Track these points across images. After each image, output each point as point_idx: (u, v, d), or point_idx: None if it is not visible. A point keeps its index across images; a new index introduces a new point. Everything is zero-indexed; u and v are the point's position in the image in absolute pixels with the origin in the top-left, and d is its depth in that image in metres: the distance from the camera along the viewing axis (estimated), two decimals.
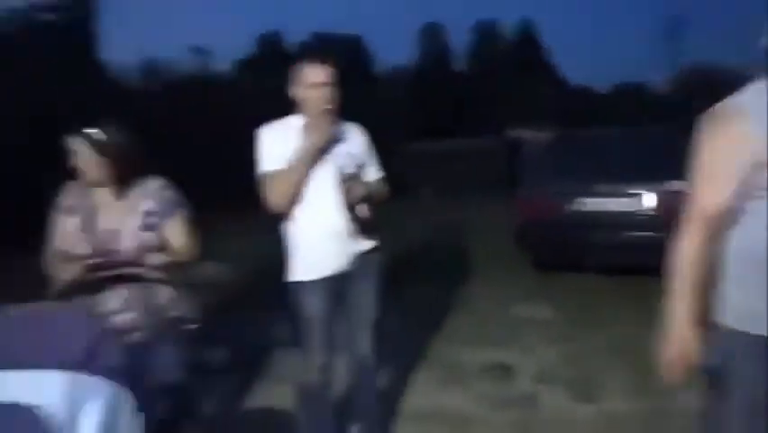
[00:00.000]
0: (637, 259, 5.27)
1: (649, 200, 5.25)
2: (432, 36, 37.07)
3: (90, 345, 1.38)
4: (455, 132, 21.47)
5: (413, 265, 6.32)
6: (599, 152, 5.71)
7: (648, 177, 5.30)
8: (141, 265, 2.12)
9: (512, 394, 3.31)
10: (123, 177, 2.16)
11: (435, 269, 6.34)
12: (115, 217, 2.16)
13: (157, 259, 2.14)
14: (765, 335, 1.46)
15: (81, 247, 2.13)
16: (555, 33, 70.38)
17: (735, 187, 1.46)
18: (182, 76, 15.61)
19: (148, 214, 2.18)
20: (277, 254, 2.54)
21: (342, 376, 2.67)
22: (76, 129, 2.10)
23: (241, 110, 10.67)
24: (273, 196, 2.33)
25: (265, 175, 2.34)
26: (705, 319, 1.58)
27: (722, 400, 1.54)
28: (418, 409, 3.15)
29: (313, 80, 2.32)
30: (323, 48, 25.47)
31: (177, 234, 2.21)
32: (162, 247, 2.18)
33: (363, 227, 2.43)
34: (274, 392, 3.26)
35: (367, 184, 2.46)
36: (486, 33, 37.46)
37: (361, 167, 2.48)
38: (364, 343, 2.55)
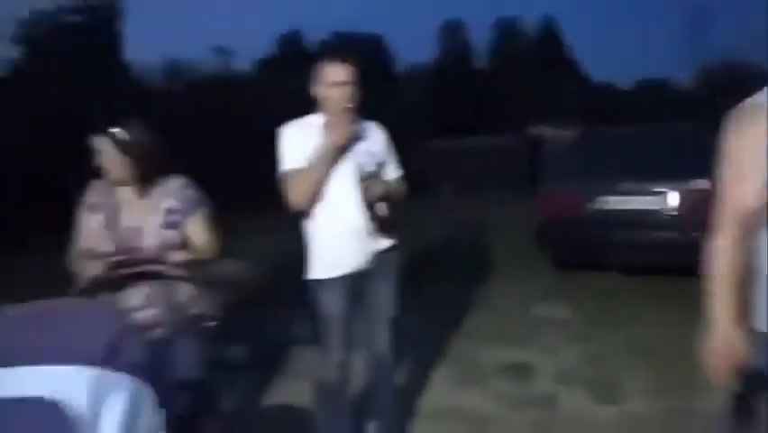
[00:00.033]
0: (659, 259, 5.21)
1: (672, 199, 5.17)
2: (452, 34, 36.93)
3: (113, 341, 1.40)
4: (476, 129, 21.38)
5: (432, 263, 6.31)
6: (622, 149, 5.65)
7: (671, 175, 5.22)
8: (163, 263, 2.15)
9: (531, 394, 3.30)
10: (146, 176, 2.20)
11: (455, 267, 6.33)
12: (138, 215, 2.20)
13: (178, 256, 2.17)
14: None
15: (104, 245, 2.17)
16: (577, 30, 69.75)
17: (764, 184, 1.43)
18: (204, 76, 15.78)
19: (170, 212, 2.21)
20: (297, 252, 2.56)
21: (360, 374, 2.68)
22: (101, 129, 2.14)
23: (262, 109, 10.75)
24: (294, 194, 2.35)
25: (286, 173, 2.36)
26: (745, 318, 1.55)
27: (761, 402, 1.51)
28: (436, 408, 3.16)
29: (333, 79, 2.33)
30: (343, 47, 25.51)
31: (198, 231, 2.24)
32: (184, 245, 2.22)
33: (382, 226, 2.44)
34: (293, 389, 3.29)
35: (386, 183, 2.47)
36: (507, 30, 37.20)
37: (380, 165, 2.49)
38: (382, 340, 2.56)
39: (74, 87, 9.91)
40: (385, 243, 2.49)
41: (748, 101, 1.50)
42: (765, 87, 1.49)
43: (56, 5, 21.93)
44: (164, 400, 1.45)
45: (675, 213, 5.15)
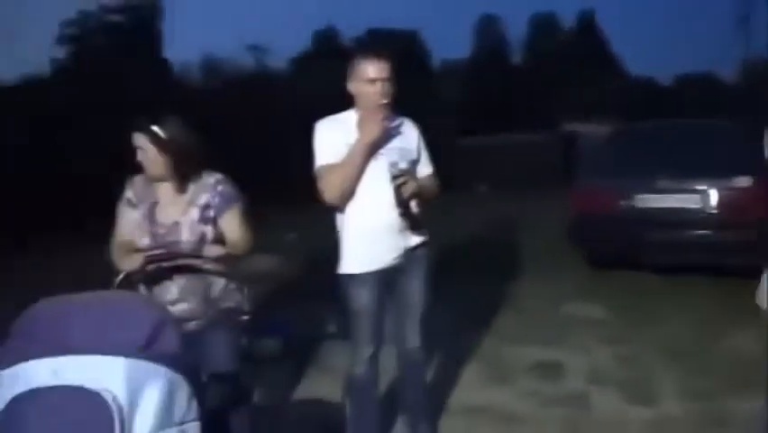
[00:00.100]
0: (696, 258, 5.10)
1: (711, 197, 5.05)
2: (488, 29, 36.51)
3: (151, 333, 1.44)
4: (511, 126, 21.12)
5: (464, 260, 6.30)
6: (659, 145, 5.53)
7: (711, 172, 5.10)
8: (199, 257, 2.21)
9: (561, 393, 3.27)
10: (184, 172, 2.26)
11: (487, 264, 6.30)
12: (176, 211, 2.26)
13: (214, 251, 2.23)
14: None
15: (143, 239, 2.24)
16: (616, 24, 68.09)
17: None
18: (241, 73, 15.97)
19: (206, 207, 2.27)
20: (330, 247, 2.60)
21: (391, 369, 2.71)
22: (141, 126, 2.21)
23: (297, 105, 10.86)
24: (328, 189, 2.37)
25: (321, 169, 2.39)
26: None
27: None
28: (466, 405, 3.16)
29: (368, 75, 2.35)
30: (378, 43, 25.50)
31: (233, 227, 2.29)
32: (219, 239, 2.27)
33: (414, 222, 2.45)
34: (323, 383, 3.33)
35: (419, 179, 2.48)
36: (544, 25, 36.61)
37: (413, 162, 2.50)
38: (413, 337, 2.57)
39: (116, 85, 10.17)
40: (416, 239, 2.50)
41: None
42: None
43: (98, 5, 22.47)
44: (198, 392, 1.48)
45: (715, 211, 5.03)
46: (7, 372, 1.34)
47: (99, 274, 2.14)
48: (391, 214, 2.39)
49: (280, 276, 5.60)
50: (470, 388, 3.37)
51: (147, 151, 2.21)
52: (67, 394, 1.30)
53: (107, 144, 6.69)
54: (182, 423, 1.40)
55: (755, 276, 2.73)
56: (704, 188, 5.07)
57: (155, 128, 2.19)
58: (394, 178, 2.35)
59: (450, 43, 51.84)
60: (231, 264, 2.28)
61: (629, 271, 5.50)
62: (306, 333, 4.17)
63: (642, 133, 6.21)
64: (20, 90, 11.40)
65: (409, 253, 2.48)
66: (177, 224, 2.24)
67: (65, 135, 9.57)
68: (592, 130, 14.69)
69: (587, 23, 36.91)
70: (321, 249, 3.42)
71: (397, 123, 2.48)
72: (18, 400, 1.30)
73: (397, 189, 2.35)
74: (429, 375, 3.08)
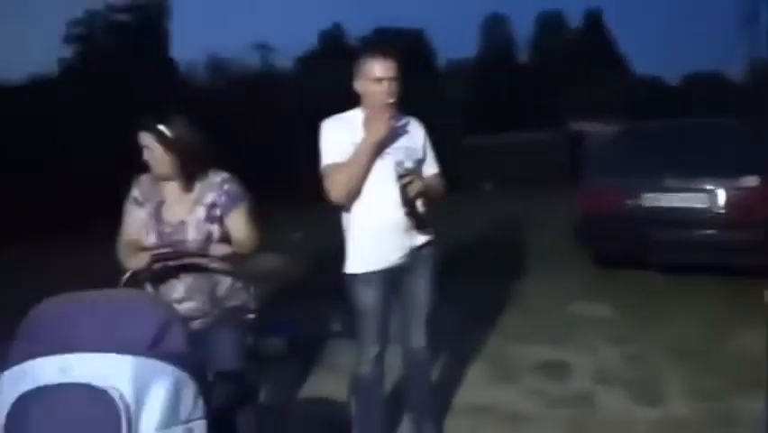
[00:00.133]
0: (703, 258, 5.08)
1: (718, 197, 5.02)
2: (495, 28, 36.46)
3: (158, 331, 1.45)
4: (518, 125, 21.08)
5: (470, 259, 6.29)
6: (666, 145, 5.51)
7: (719, 172, 5.07)
8: (206, 256, 2.22)
9: (567, 393, 3.27)
10: (190, 171, 2.26)
11: (493, 263, 6.30)
12: (182, 209, 2.27)
13: (220, 250, 2.23)
14: None
15: (149, 237, 2.25)
16: (623, 23, 67.74)
17: None
18: (247, 72, 15.98)
19: (212, 206, 2.27)
20: (335, 246, 2.60)
21: (397, 368, 2.71)
22: (147, 125, 2.22)
23: (303, 104, 10.87)
24: (334, 188, 2.38)
25: (327, 168, 2.40)
26: None
27: None
28: (471, 404, 3.16)
29: (375, 74, 2.35)
30: (385, 42, 25.49)
31: (239, 225, 2.30)
32: (225, 238, 2.28)
33: (420, 222, 2.45)
34: (328, 382, 3.34)
35: (424, 179, 2.48)
36: (550, 24, 36.52)
37: (419, 162, 2.50)
38: (418, 336, 2.57)
39: (122, 85, 10.21)
40: (422, 238, 2.50)
41: None
42: None
43: (105, 4, 22.57)
44: (204, 391, 1.49)
45: (722, 211, 5.01)
46: (15, 369, 1.35)
47: (101, 273, 2.15)
48: (397, 213, 2.39)
49: (286, 275, 5.60)
50: (476, 387, 3.37)
51: (153, 150, 2.22)
52: (74, 392, 1.31)
53: (114, 144, 6.72)
54: (188, 421, 1.41)
55: (763, 276, 2.72)
56: (711, 187, 5.05)
57: (161, 127, 2.20)
58: (400, 177, 2.35)
59: (456, 43, 51.68)
60: (237, 263, 2.29)
61: (636, 270, 5.48)
62: (312, 332, 4.17)
63: (649, 132, 6.19)
64: (27, 90, 11.46)
65: (415, 252, 2.48)
66: (183, 223, 2.25)
67: (71, 134, 9.61)
68: (599, 129, 14.64)
69: (594, 22, 36.80)
70: (327, 248, 3.42)
71: (403, 122, 2.48)
72: (25, 398, 1.31)
73: (403, 189, 2.35)
74: (435, 374, 3.08)
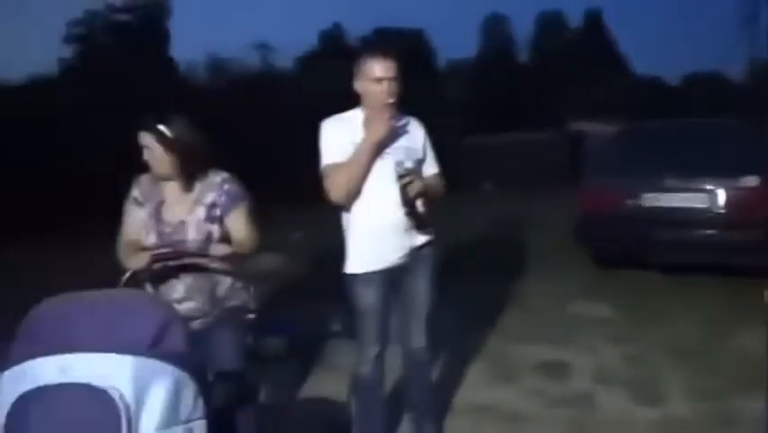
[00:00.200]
0: (703, 258, 5.08)
1: (718, 197, 5.02)
2: (495, 28, 36.46)
3: (158, 331, 1.45)
4: (518, 125, 21.08)
5: (470, 260, 6.29)
6: (666, 145, 5.51)
7: (719, 172, 5.07)
8: (206, 256, 2.22)
9: (567, 393, 3.27)
10: (190, 171, 2.26)
11: (493, 263, 6.30)
12: (182, 209, 2.27)
13: (220, 250, 2.23)
14: None
15: (149, 237, 2.25)
16: (623, 23, 67.70)
17: None
18: (247, 72, 15.98)
19: (212, 206, 2.28)
20: (335, 246, 2.60)
21: (397, 368, 2.71)
22: (147, 125, 2.22)
23: (303, 104, 10.87)
24: (334, 188, 2.38)
25: (327, 168, 2.40)
26: None
27: None
28: (471, 404, 3.16)
29: (375, 74, 2.35)
30: (385, 42, 25.50)
31: (239, 225, 2.30)
32: (225, 238, 2.28)
33: (419, 222, 2.45)
34: (328, 382, 3.34)
35: (424, 179, 2.48)
36: (550, 24, 36.53)
37: (419, 162, 2.50)
38: (418, 336, 2.57)
39: (122, 84, 10.22)
40: (422, 238, 2.50)
41: None
42: None
43: (105, 5, 22.58)
44: (204, 391, 1.49)
45: (722, 211, 5.01)
46: (15, 369, 1.35)
47: (100, 273, 2.15)
48: (397, 213, 2.39)
49: (286, 275, 5.60)
50: (476, 387, 3.37)
51: (153, 150, 2.22)
52: (74, 392, 1.31)
53: (113, 143, 6.72)
54: (188, 421, 1.41)
55: (763, 276, 2.72)
56: (711, 187, 5.05)
57: (161, 127, 2.20)
58: (400, 177, 2.35)
59: (456, 43, 51.68)
60: (237, 263, 2.29)
61: (636, 270, 5.48)
62: (312, 332, 4.17)
63: (649, 132, 6.19)
64: (27, 90, 11.47)
65: (415, 252, 2.48)
66: (183, 222, 2.25)
67: (71, 134, 9.61)
68: (599, 129, 14.65)
69: (594, 22, 36.80)
70: (326, 248, 3.42)
71: (403, 122, 2.48)
72: (26, 398, 1.31)
73: (403, 189, 2.35)
74: (435, 374, 3.08)
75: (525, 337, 4.08)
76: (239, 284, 2.34)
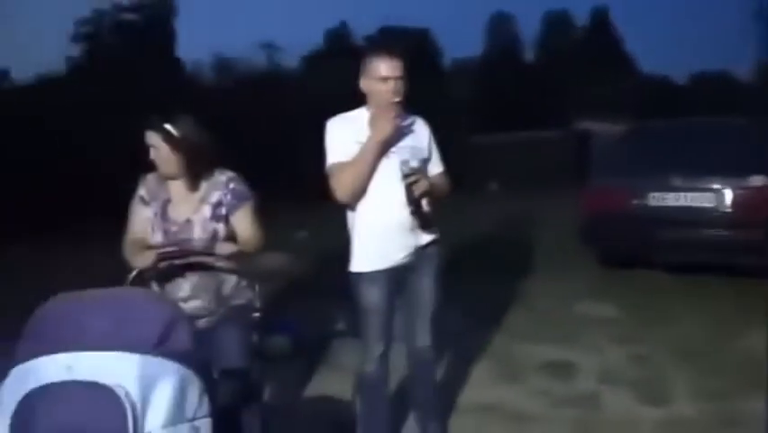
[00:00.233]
0: (710, 258, 5.06)
1: (726, 196, 5.00)
2: (501, 27, 36.37)
3: (164, 329, 1.45)
4: (523, 124, 21.03)
5: (476, 259, 6.29)
6: (673, 144, 5.49)
7: (726, 171, 5.05)
8: (211, 254, 2.22)
9: (572, 393, 3.26)
10: (196, 170, 2.27)
11: (498, 263, 6.29)
12: (188, 208, 2.28)
13: (226, 249, 2.24)
14: None
15: (155, 236, 2.26)
16: (630, 21, 67.36)
17: None
18: (253, 72, 16.01)
19: (218, 205, 2.28)
20: (340, 246, 2.60)
21: (402, 367, 2.71)
22: (154, 125, 2.22)
23: (309, 103, 10.88)
24: (339, 188, 2.38)
25: (332, 167, 2.40)
26: None
27: None
28: (476, 403, 3.15)
29: (381, 73, 2.35)
30: (391, 41, 25.49)
31: (244, 224, 2.30)
32: (231, 237, 2.29)
33: (425, 221, 2.45)
34: (333, 381, 3.34)
35: (430, 178, 2.48)
36: (556, 23, 36.42)
37: (424, 161, 2.50)
38: (423, 335, 2.57)
39: (129, 84, 10.25)
40: (427, 237, 2.50)
41: None
42: None
43: (112, 4, 22.67)
44: (209, 389, 1.49)
45: (729, 211, 4.99)
46: (22, 367, 1.35)
47: (102, 273, 2.15)
48: (402, 212, 2.39)
49: (291, 274, 5.62)
50: (481, 386, 3.37)
51: (160, 149, 2.22)
52: (80, 390, 1.32)
53: (120, 143, 6.75)
54: (194, 419, 1.41)
55: None
56: (718, 187, 5.03)
57: (168, 126, 2.21)
58: (405, 176, 2.35)
59: (462, 42, 51.63)
60: (242, 262, 2.29)
61: (642, 270, 5.47)
62: (317, 331, 4.17)
63: (656, 131, 6.17)
64: (34, 89, 11.52)
65: (420, 251, 2.48)
66: (189, 221, 2.26)
67: (77, 133, 9.65)
68: (605, 128, 14.61)
69: (600, 21, 36.67)
70: (331, 247, 3.43)
71: (408, 121, 2.49)
72: (32, 396, 1.31)
73: (409, 188, 2.35)
74: (440, 373, 3.08)
75: (531, 337, 4.08)
76: (244, 283, 2.35)
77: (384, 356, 2.49)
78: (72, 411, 1.31)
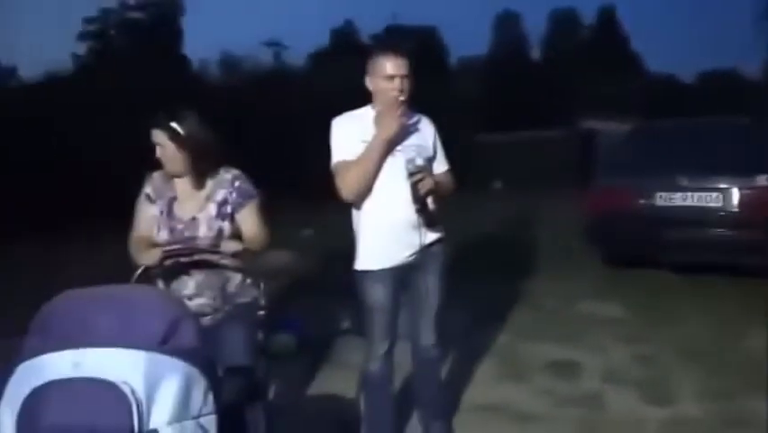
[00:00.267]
0: (716, 258, 5.04)
1: (733, 196, 4.98)
2: (507, 26, 36.27)
3: (170, 327, 1.46)
4: (530, 123, 20.97)
5: (481, 258, 6.28)
6: (679, 143, 5.47)
7: (733, 171, 5.03)
8: (217, 252, 2.23)
9: (577, 392, 3.25)
10: (202, 168, 2.28)
11: (502, 262, 6.28)
12: (194, 206, 2.29)
13: (231, 246, 2.25)
14: None
15: (161, 234, 2.27)
16: (637, 20, 67.00)
17: None
18: (258, 70, 16.02)
19: (223, 203, 2.29)
20: (345, 244, 2.61)
21: (407, 365, 2.71)
22: (159, 123, 2.23)
23: (315, 102, 10.88)
24: (345, 186, 2.38)
25: (338, 165, 2.40)
26: None
27: None
28: (480, 402, 3.15)
29: (386, 72, 2.35)
30: (397, 39, 25.48)
31: (250, 222, 2.31)
32: (236, 235, 2.29)
33: (430, 219, 2.45)
34: (338, 379, 3.34)
35: (435, 176, 2.48)
36: (563, 21, 36.30)
37: (429, 159, 2.50)
38: (428, 333, 2.58)
39: (136, 82, 10.27)
40: (432, 236, 2.50)
41: None
42: None
43: (119, 2, 22.75)
44: (214, 386, 1.50)
45: (736, 210, 4.96)
46: (28, 363, 1.36)
47: (105, 272, 2.16)
48: (408, 210, 2.40)
49: (296, 272, 5.63)
50: (485, 385, 3.37)
51: (166, 147, 2.23)
52: (86, 386, 1.32)
53: (125, 141, 6.77)
54: (199, 416, 1.42)
55: None
56: (725, 186, 5.01)
57: (174, 125, 2.21)
58: (411, 174, 2.35)
59: (468, 40, 51.42)
60: (248, 260, 2.30)
61: (647, 269, 5.45)
62: (322, 329, 4.18)
63: (662, 130, 6.15)
64: (42, 87, 11.56)
65: (425, 249, 2.48)
66: (194, 219, 2.27)
67: (83, 132, 9.68)
68: (611, 127, 14.56)
69: (607, 19, 36.52)
70: (337, 246, 3.43)
71: (414, 119, 2.49)
72: (38, 392, 1.32)
73: (414, 186, 2.36)
74: (444, 372, 3.08)
75: (535, 336, 4.07)
76: (249, 281, 2.35)
77: (388, 354, 2.49)
78: (78, 408, 1.31)
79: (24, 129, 9.26)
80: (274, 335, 3.65)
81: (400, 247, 2.43)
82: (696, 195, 5.14)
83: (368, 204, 2.42)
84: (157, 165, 2.31)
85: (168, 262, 2.21)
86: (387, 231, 2.42)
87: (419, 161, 2.38)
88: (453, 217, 2.93)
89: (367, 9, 44.69)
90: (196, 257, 2.24)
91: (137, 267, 2.18)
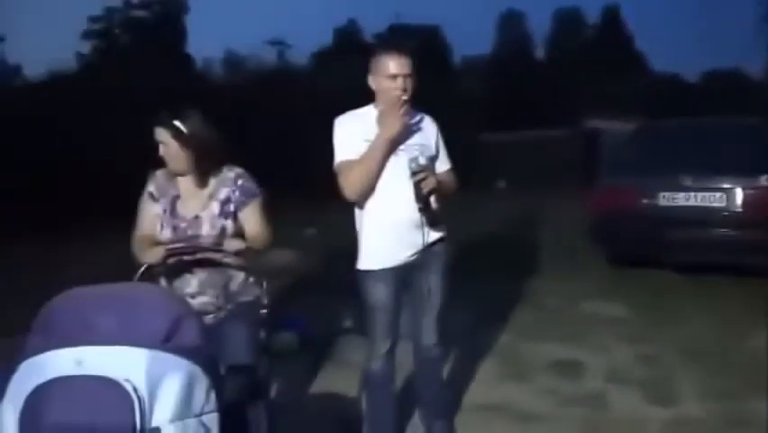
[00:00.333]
0: (720, 258, 5.03)
1: (736, 196, 4.96)
2: (511, 25, 36.24)
3: (171, 325, 1.46)
4: (533, 122, 20.93)
5: (483, 258, 6.27)
6: (683, 143, 5.46)
7: (737, 171, 5.02)
8: (220, 251, 2.24)
9: (580, 392, 3.25)
10: (205, 167, 2.28)
11: (506, 261, 6.27)
12: (197, 205, 2.29)
13: (234, 245, 2.25)
14: None
15: (164, 232, 2.28)
16: (641, 17, 66.81)
17: None
18: (262, 69, 16.04)
19: (226, 201, 2.29)
20: (348, 243, 2.60)
21: (408, 364, 2.71)
22: (163, 121, 2.23)
23: (318, 100, 10.87)
24: (348, 185, 2.38)
25: (341, 164, 2.40)
26: None
27: None
28: (482, 402, 3.15)
29: (390, 71, 2.35)
30: (400, 38, 25.47)
31: (252, 221, 2.31)
32: (239, 234, 2.30)
33: (432, 219, 2.45)
34: (339, 378, 3.34)
35: (438, 176, 2.48)
36: (567, 21, 36.24)
37: (432, 158, 2.50)
38: (430, 333, 2.57)
39: (140, 81, 10.28)
40: (435, 235, 2.50)
41: None
42: None
43: (123, 1, 22.79)
44: (217, 385, 1.50)
45: (739, 210, 4.95)
46: (31, 361, 1.37)
47: (107, 272, 2.16)
48: (411, 210, 2.39)
49: (299, 271, 5.63)
50: (488, 385, 3.36)
51: (169, 145, 2.23)
52: (89, 384, 1.33)
53: (128, 140, 6.78)
54: (201, 414, 1.42)
55: None
56: (729, 186, 4.99)
57: (177, 123, 2.22)
58: (413, 174, 2.35)
59: (472, 39, 51.41)
60: (250, 258, 2.30)
61: (651, 269, 5.44)
62: (324, 328, 4.18)
63: (666, 130, 6.13)
64: (46, 86, 11.58)
65: (428, 248, 2.48)
66: (197, 218, 2.27)
67: (87, 131, 9.69)
68: (615, 127, 14.53)
69: (611, 19, 36.46)
70: (339, 245, 3.44)
71: (416, 119, 2.49)
72: (41, 390, 1.32)
73: (417, 185, 2.35)
74: (446, 372, 3.08)
75: (538, 336, 4.07)
76: (252, 279, 2.35)
77: (390, 353, 2.49)
78: (80, 405, 1.31)
79: (29, 128, 9.27)
80: (276, 333, 3.65)
81: (403, 247, 2.43)
82: (699, 195, 5.12)
83: (371, 203, 2.42)
84: (160, 163, 2.31)
85: (171, 261, 2.21)
86: (389, 230, 2.42)
87: (422, 161, 2.38)
88: (457, 217, 2.93)
89: (370, 8, 44.71)
90: (199, 255, 2.24)
91: (140, 265, 2.18)
